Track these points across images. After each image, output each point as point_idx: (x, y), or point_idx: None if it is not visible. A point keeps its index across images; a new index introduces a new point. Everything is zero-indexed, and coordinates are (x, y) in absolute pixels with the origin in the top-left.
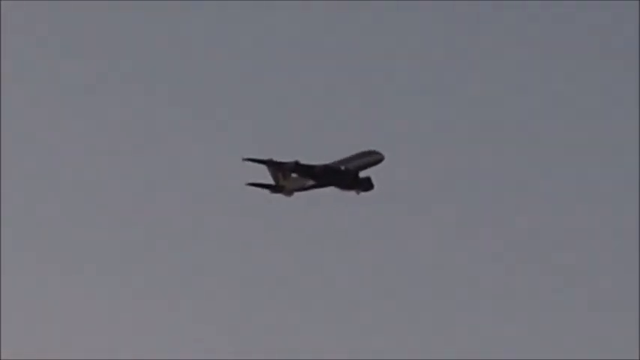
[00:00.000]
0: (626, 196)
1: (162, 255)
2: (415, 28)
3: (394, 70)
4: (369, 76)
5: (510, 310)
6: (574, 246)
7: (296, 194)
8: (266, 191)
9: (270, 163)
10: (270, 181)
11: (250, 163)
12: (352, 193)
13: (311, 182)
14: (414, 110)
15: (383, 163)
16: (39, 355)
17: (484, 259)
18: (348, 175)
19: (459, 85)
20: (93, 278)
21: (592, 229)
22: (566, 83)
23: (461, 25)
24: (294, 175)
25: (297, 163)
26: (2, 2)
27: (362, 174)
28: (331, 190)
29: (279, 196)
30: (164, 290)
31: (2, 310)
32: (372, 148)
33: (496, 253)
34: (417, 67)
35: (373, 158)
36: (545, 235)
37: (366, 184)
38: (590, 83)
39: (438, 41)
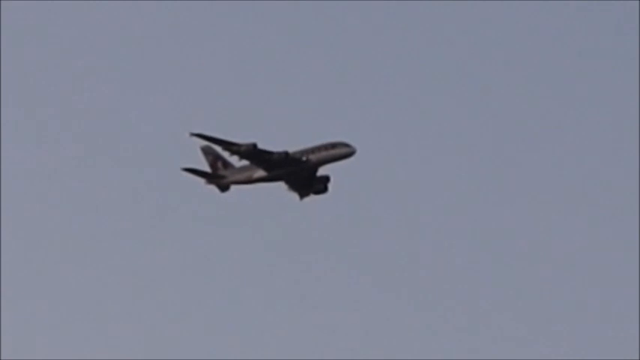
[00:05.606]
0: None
1: None
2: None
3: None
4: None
5: (510, 310)
6: (573, 246)
7: (233, 188)
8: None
9: (222, 142)
10: (206, 167)
11: (198, 139)
12: (295, 196)
13: (258, 174)
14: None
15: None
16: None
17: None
18: (306, 168)
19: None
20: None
21: (592, 228)
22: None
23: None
24: (243, 161)
25: (255, 146)
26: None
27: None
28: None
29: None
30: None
31: (2, 310)
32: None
33: (493, 252)
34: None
35: (341, 151)
36: (543, 233)
37: (320, 185)
38: (589, 83)
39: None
